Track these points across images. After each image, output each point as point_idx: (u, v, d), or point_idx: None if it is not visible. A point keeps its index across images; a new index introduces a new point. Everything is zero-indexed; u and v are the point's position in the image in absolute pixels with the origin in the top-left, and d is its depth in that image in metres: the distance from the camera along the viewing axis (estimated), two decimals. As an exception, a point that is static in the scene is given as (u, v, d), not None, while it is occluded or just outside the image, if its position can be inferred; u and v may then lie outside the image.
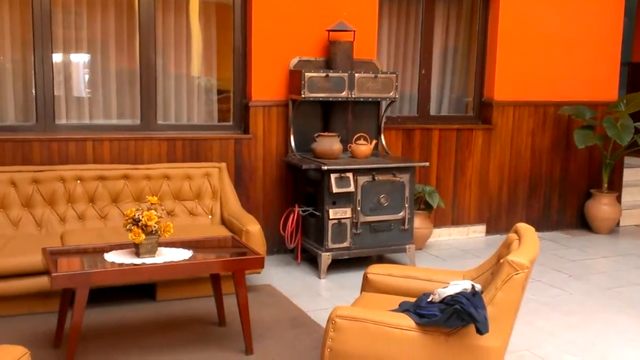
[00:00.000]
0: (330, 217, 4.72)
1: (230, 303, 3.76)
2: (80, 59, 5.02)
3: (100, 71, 5.01)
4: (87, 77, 5.06)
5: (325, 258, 4.76)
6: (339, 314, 2.76)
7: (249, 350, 3.43)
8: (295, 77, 4.97)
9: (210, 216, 4.71)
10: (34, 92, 4.67)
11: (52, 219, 4.32)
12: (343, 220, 4.78)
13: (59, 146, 4.55)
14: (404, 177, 4.95)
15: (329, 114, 5.20)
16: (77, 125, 4.85)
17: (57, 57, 4.78)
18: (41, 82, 4.65)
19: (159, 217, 3.23)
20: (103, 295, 4.03)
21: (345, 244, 4.82)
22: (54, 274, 3.00)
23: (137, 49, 4.95)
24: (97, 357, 3.33)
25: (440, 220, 5.97)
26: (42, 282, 3.71)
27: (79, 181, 4.42)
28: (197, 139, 4.96)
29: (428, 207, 5.58)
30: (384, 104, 5.37)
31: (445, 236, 6.03)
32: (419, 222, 5.46)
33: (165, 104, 5.15)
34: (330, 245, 4.77)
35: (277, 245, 5.20)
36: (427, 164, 5.33)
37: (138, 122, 4.98)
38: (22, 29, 4.68)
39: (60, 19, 4.78)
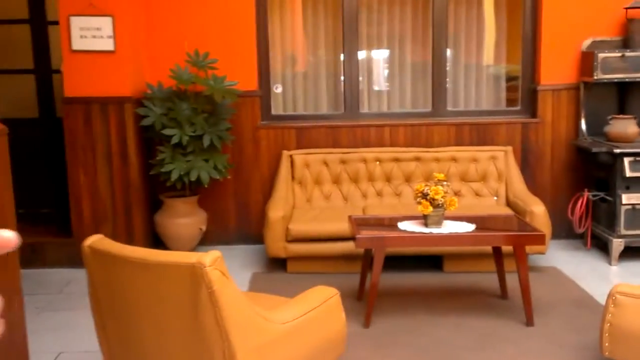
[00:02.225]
0: (623, 202, 4.54)
1: (513, 280, 3.93)
2: (380, 54, 5.64)
3: (398, 64, 5.56)
4: (386, 71, 5.66)
5: (617, 244, 4.59)
6: (619, 290, 2.78)
7: (529, 322, 3.59)
8: (587, 59, 4.86)
9: (495, 197, 4.91)
10: (342, 85, 5.42)
11: (355, 195, 5.00)
12: (638, 206, 4.55)
13: (362, 132, 5.21)
14: None
15: (625, 95, 4.96)
16: (377, 113, 5.48)
17: (361, 54, 5.46)
18: (349, 76, 5.36)
19: (445, 193, 3.58)
20: (398, 264, 4.55)
21: (641, 231, 4.58)
22: (357, 236, 3.57)
23: (430, 42, 5.36)
24: (391, 311, 3.83)
25: None
26: (347, 246, 4.35)
27: (378, 162, 5.02)
28: (484, 123, 5.19)
29: None
30: (693, 83, 4.91)
31: None
32: None
33: (455, 92, 5.49)
34: (623, 231, 4.58)
35: (565, 231, 5.15)
36: None
37: (429, 109, 5.40)
38: (334, 30, 5.45)
39: (365, 18, 5.43)
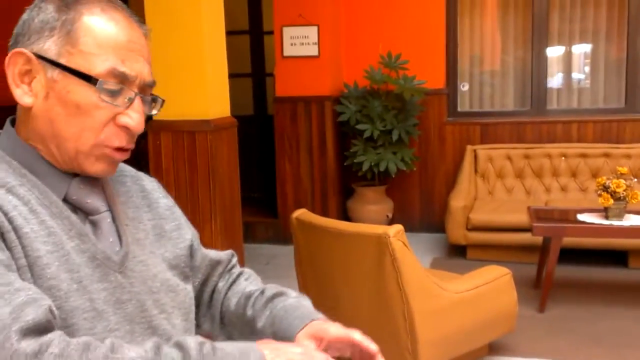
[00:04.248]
0: None
1: None
2: (571, 51, 5.63)
3: (590, 60, 5.51)
4: (581, 67, 5.63)
5: None
6: None
7: None
8: None
9: (692, 196, 4.71)
10: (530, 82, 5.52)
11: (538, 189, 5.11)
12: None
13: (548, 127, 5.29)
14: None
15: None
16: (564, 109, 5.49)
17: (550, 51, 5.51)
18: (537, 73, 5.45)
19: (627, 186, 3.63)
20: (579, 258, 4.59)
21: None
22: (534, 225, 3.76)
23: (625, 37, 5.25)
24: (567, 300, 3.95)
25: None
26: (527, 237, 4.49)
27: (563, 158, 5.08)
28: (683, 119, 4.98)
29: None
30: None
31: None
32: None
33: (654, 87, 5.31)
34: None
35: None
36: None
37: (622, 105, 5.30)
38: (524, 29, 5.56)
39: (557, 16, 5.46)
